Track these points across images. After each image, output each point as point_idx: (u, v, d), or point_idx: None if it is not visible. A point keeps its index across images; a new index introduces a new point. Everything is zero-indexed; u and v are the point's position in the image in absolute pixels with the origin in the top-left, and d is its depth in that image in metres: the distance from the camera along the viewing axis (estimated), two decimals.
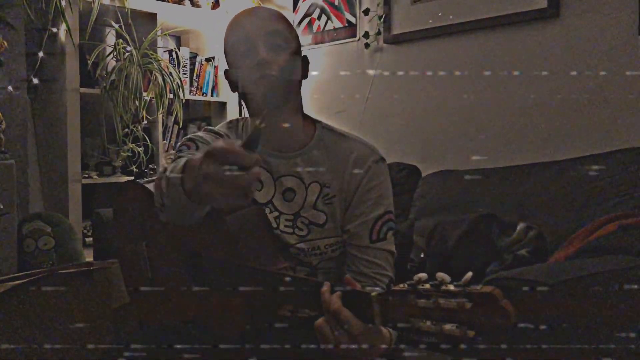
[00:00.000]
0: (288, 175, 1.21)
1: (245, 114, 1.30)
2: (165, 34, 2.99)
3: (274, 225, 1.19)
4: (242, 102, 1.30)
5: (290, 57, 1.16)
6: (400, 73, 2.57)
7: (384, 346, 0.97)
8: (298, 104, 1.21)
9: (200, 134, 1.26)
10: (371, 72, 2.67)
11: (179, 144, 1.26)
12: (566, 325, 1.03)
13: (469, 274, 0.71)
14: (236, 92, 1.23)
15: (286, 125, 1.18)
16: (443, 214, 1.89)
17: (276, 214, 1.20)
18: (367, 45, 2.68)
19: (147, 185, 1.31)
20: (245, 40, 1.14)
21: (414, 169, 2.31)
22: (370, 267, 1.17)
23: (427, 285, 0.74)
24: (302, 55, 1.22)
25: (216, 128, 1.29)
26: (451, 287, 0.71)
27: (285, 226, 1.19)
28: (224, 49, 1.22)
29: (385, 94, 2.64)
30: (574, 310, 1.02)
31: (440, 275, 0.73)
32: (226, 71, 1.23)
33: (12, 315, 1.70)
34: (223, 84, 3.27)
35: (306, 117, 1.25)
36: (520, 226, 1.58)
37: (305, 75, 1.22)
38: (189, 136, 1.25)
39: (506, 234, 1.58)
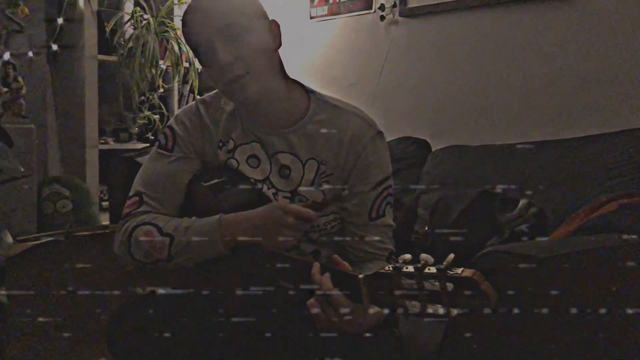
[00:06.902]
0: (283, 152, 1.17)
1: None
2: (182, 2, 3.00)
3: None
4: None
5: (255, 41, 1.07)
6: (415, 47, 2.57)
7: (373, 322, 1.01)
8: (279, 78, 1.13)
9: (175, 127, 1.19)
10: (386, 45, 2.67)
11: (160, 134, 1.19)
12: (554, 299, 1.06)
13: (451, 255, 0.72)
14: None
15: (272, 103, 1.12)
16: (449, 188, 1.91)
17: (273, 190, 1.17)
18: (382, 18, 2.67)
19: (138, 160, 1.34)
20: (202, 41, 1.06)
21: (425, 143, 2.33)
22: (370, 244, 1.16)
23: (411, 268, 0.75)
24: (270, 20, 1.13)
25: (176, 121, 1.22)
26: (433, 270, 0.73)
27: None
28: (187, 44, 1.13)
29: (399, 68, 2.64)
30: (562, 285, 1.05)
31: (424, 256, 0.74)
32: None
33: (30, 274, 1.78)
34: None
35: (296, 88, 1.18)
36: (522, 202, 1.60)
37: (279, 43, 1.12)
38: (168, 126, 1.21)
39: (508, 210, 1.60)
